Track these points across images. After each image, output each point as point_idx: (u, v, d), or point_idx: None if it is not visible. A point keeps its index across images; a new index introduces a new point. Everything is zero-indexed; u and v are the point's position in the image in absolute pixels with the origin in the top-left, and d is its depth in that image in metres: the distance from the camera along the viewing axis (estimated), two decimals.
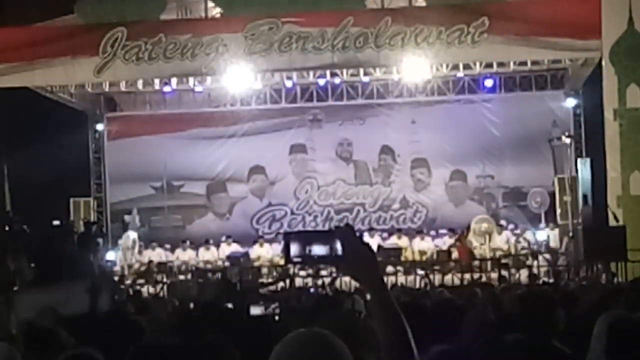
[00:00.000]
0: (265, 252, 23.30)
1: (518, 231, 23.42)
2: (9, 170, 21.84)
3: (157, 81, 24.14)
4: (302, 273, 20.81)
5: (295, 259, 2.81)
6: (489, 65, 23.91)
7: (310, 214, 25.52)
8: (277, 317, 8.26)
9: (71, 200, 24.48)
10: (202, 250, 23.86)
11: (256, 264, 22.39)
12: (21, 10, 20.98)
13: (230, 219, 25.79)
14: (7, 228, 16.14)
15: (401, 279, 20.22)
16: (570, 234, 21.27)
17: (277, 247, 22.86)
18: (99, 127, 26.05)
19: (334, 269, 18.37)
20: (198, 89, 24.97)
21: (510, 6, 20.60)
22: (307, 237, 2.83)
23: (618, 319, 5.09)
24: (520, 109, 25.00)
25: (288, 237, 2.82)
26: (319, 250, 2.78)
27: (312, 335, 2.62)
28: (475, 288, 10.67)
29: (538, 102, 25.09)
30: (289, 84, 24.73)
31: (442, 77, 24.86)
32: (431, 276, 20.71)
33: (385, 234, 24.06)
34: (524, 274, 20.41)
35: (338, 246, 2.76)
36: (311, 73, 23.95)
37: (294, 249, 2.80)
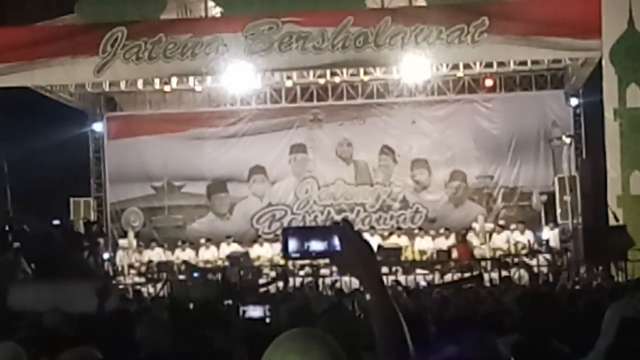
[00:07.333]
0: (265, 252, 23.29)
1: (518, 231, 23.39)
2: (9, 170, 21.81)
3: (157, 81, 24.13)
4: (302, 273, 20.80)
5: (294, 255, 2.78)
6: (489, 65, 23.90)
7: (311, 214, 25.48)
8: (275, 318, 8.24)
9: (71, 200, 24.43)
10: (202, 250, 23.85)
11: (256, 263, 22.38)
12: (21, 10, 20.98)
13: (230, 219, 25.77)
14: (7, 228, 16.10)
15: (401, 279, 20.18)
16: (570, 234, 21.24)
17: (277, 247, 22.82)
18: (99, 127, 26.02)
19: (334, 268, 18.36)
20: (198, 88, 24.94)
21: (510, 6, 20.59)
22: (305, 233, 2.80)
23: (629, 306, 5.16)
24: (520, 109, 24.98)
25: (286, 233, 2.80)
26: (317, 246, 2.75)
27: (305, 335, 2.60)
28: (474, 287, 10.68)
29: (538, 102, 25.06)
30: (289, 83, 24.70)
31: (442, 77, 24.85)
32: (431, 276, 20.68)
33: (385, 234, 24.06)
34: (524, 274, 20.37)
35: (336, 242, 2.73)
36: (311, 73, 23.94)
37: (292, 244, 2.77)
